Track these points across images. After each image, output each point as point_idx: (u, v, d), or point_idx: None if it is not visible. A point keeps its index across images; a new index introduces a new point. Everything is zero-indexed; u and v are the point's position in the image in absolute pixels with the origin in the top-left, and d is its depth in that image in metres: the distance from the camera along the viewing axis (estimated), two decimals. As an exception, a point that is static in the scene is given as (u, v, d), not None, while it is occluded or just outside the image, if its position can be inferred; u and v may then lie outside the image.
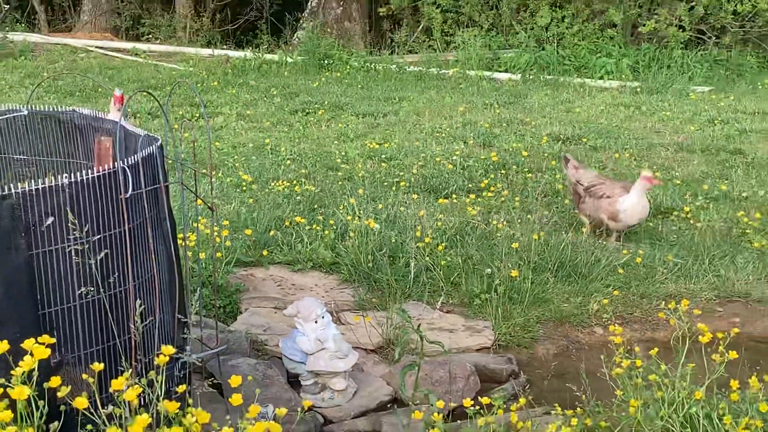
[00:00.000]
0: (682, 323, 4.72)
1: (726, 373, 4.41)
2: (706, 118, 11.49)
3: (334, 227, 6.75)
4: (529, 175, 8.60)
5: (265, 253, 6.43)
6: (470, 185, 8.27)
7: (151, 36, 18.56)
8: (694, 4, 15.36)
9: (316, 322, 4.80)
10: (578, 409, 4.32)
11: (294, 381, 4.92)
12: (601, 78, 14.62)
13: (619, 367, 4.34)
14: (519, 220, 7.19)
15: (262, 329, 5.44)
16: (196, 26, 18.47)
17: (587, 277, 6.36)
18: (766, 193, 8.08)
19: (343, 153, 9.33)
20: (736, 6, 15.12)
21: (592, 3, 15.58)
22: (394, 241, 6.54)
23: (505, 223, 7.08)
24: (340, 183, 8.20)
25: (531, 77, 14.64)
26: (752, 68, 15.11)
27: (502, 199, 7.86)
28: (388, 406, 4.79)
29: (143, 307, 3.29)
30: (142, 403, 3.05)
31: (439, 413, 3.78)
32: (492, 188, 8.16)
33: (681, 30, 15.31)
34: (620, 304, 6.06)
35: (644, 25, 15.31)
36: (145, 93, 5.83)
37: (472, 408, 3.95)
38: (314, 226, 6.81)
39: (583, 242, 6.81)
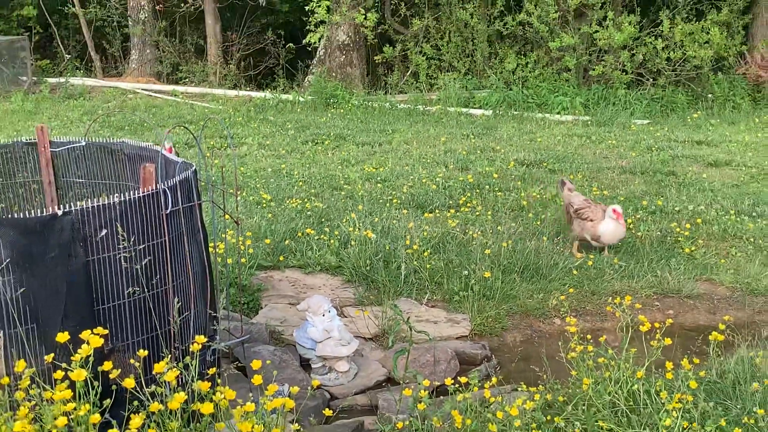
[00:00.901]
0: (625, 315, 4.72)
1: (662, 356, 4.41)
2: (645, 146, 11.49)
3: (339, 237, 6.75)
4: (499, 193, 8.59)
5: (281, 258, 6.42)
6: (450, 202, 8.26)
7: (187, 80, 18.57)
8: (634, 52, 15.37)
9: (323, 315, 4.82)
10: (540, 386, 4.32)
11: (305, 364, 4.94)
12: (558, 113, 14.62)
13: (574, 351, 4.34)
14: (491, 231, 7.19)
15: (279, 321, 5.44)
16: (225, 72, 18.47)
17: (548, 277, 6.36)
18: (694, 208, 8.07)
19: (345, 176, 9.32)
20: (669, 54, 15.14)
21: (551, 51, 15.60)
22: (387, 248, 6.53)
23: (479, 233, 7.07)
24: (343, 200, 8.19)
25: (500, 112, 14.63)
26: (683, 104, 15.10)
27: (477, 213, 7.85)
28: (383, 384, 4.79)
29: (180, 303, 3.29)
30: (180, 383, 3.05)
31: (425, 390, 3.78)
32: (468, 204, 8.15)
33: (624, 73, 15.33)
34: (575, 300, 6.06)
35: (594, 70, 15.32)
36: (182, 127, 5.83)
37: (452, 386, 3.95)
38: (322, 236, 6.81)
39: (543, 248, 6.80)
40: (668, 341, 4.27)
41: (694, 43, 15.01)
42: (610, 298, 5.92)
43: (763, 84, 15.48)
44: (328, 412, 3.74)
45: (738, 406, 4.14)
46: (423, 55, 16.71)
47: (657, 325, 4.70)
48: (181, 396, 2.78)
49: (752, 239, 7.24)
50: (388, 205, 8.06)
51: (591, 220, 6.79)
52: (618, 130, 13.05)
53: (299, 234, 6.89)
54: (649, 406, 4.03)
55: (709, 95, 15.23)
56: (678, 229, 7.33)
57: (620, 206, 6.78)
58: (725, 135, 12.46)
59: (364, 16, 15.86)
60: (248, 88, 17.24)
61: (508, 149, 11.12)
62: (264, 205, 7.89)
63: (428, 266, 6.28)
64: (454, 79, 15.95)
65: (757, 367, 4.56)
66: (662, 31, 15.20)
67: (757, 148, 11.27)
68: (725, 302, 6.16)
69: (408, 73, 17.06)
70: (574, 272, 6.45)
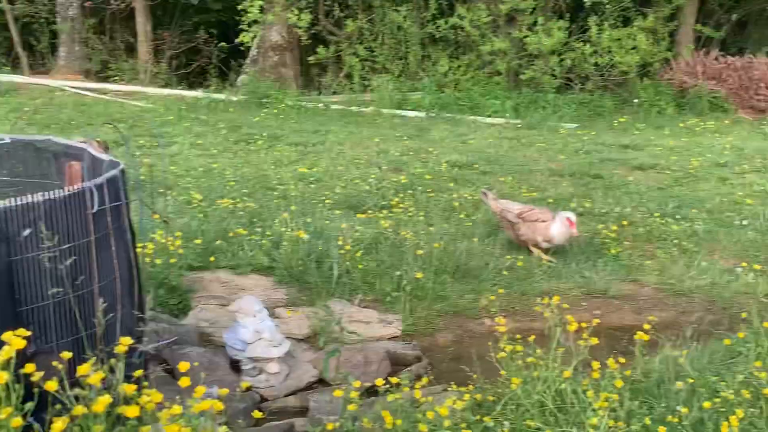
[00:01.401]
0: (554, 315, 4.77)
1: (589, 356, 4.46)
2: (573, 149, 11.65)
3: (271, 237, 6.68)
4: (432, 194, 8.62)
5: (212, 259, 6.33)
6: (383, 203, 8.25)
7: (117, 78, 18.23)
8: (563, 57, 15.59)
9: (254, 316, 4.77)
10: (470, 386, 4.33)
11: (236, 366, 4.86)
12: (489, 116, 14.73)
13: (503, 351, 4.37)
14: (423, 232, 7.20)
15: (210, 323, 5.35)
16: (156, 70, 18.19)
17: (478, 278, 6.40)
18: (621, 210, 8.20)
19: (278, 176, 9.25)
20: (597, 59, 15.40)
21: (482, 55, 15.73)
22: (320, 249, 6.49)
23: (412, 234, 7.07)
24: (275, 201, 8.12)
25: (433, 115, 14.68)
26: (610, 109, 15.35)
27: (410, 214, 7.85)
28: (315, 386, 4.75)
29: (106, 304, 3.21)
30: (105, 386, 2.97)
31: (356, 391, 3.76)
32: (401, 205, 8.15)
33: (553, 78, 15.54)
34: (505, 300, 6.10)
35: (524, 74, 15.50)
36: (111, 125, 5.70)
37: (383, 387, 3.93)
38: (254, 236, 6.73)
39: (474, 249, 6.84)
40: (595, 341, 4.33)
41: (621, 49, 15.30)
42: (539, 298, 5.97)
43: (688, 90, 15.84)
44: (257, 414, 3.69)
45: (662, 405, 4.21)
46: (357, 57, 16.69)
47: (584, 325, 4.75)
48: (106, 399, 2.71)
49: (676, 241, 7.39)
50: (321, 205, 8.01)
51: (543, 221, 6.77)
52: (548, 133, 13.21)
53: (231, 234, 6.80)
54: (577, 405, 4.07)
55: (635, 100, 15.52)
56: (605, 231, 7.43)
57: (573, 215, 6.76)
58: (650, 139, 12.70)
59: (297, 17, 15.78)
60: (180, 87, 16.98)
61: (441, 151, 11.16)
62: (195, 205, 7.77)
63: (361, 267, 6.26)
64: (388, 80, 15.96)
65: (681, 366, 4.64)
66: (590, 37, 15.45)
67: (681, 152, 11.52)
68: (650, 302, 6.26)
69: (342, 75, 17.03)
70: (504, 273, 6.49)
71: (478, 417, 3.91)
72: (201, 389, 2.86)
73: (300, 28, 16.01)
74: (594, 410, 3.93)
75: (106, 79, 18.26)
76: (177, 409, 2.78)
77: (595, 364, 4.32)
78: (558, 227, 6.70)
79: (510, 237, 7.08)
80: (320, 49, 16.86)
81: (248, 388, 4.57)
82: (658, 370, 4.62)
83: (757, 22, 18.66)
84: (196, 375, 3.37)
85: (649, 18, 15.71)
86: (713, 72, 16.09)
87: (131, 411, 2.73)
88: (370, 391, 4.55)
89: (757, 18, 18.77)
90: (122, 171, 3.65)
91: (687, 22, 16.99)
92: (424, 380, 4.23)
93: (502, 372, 4.32)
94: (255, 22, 16.42)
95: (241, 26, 16.52)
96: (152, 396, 2.83)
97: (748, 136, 13.44)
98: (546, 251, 6.89)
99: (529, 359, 4.34)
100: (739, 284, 6.49)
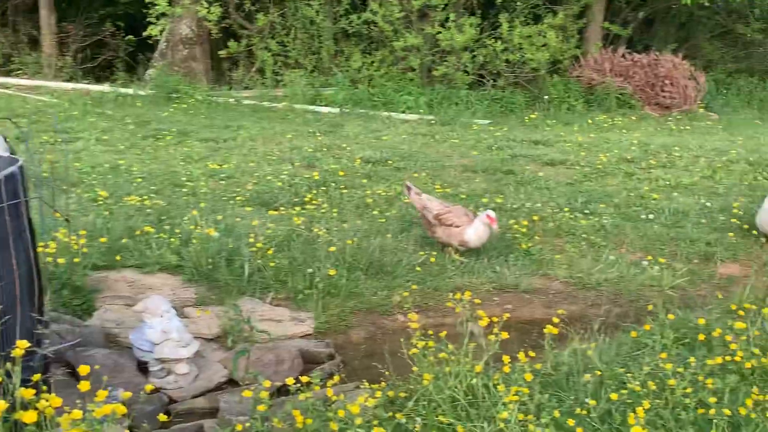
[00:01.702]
0: (465, 310, 4.81)
1: (501, 350, 4.51)
2: (486, 145, 11.77)
3: (180, 235, 6.56)
4: (345, 191, 8.60)
5: (118, 258, 6.18)
6: (296, 199, 8.19)
7: (20, 72, 17.69)
8: (475, 53, 15.74)
9: (161, 316, 4.67)
10: (382, 383, 4.33)
11: (144, 368, 4.76)
12: (403, 112, 14.78)
13: (415, 347, 4.38)
14: (336, 228, 7.18)
15: (116, 324, 5.23)
16: (60, 64, 17.71)
17: (392, 274, 6.40)
18: (531, 205, 8.32)
19: (188, 172, 9.09)
20: (508, 56, 15.60)
21: (395, 51, 15.77)
22: (231, 246, 6.40)
23: (324, 230, 7.04)
24: (185, 198, 7.99)
25: (347, 111, 14.66)
26: (521, 105, 15.59)
27: (323, 210, 7.82)
28: (225, 386, 4.69)
29: (3, 306, 3.09)
30: (2, 391, 2.87)
31: (266, 391, 3.72)
32: (314, 202, 8.11)
33: (466, 74, 15.68)
34: (418, 296, 6.12)
35: (437, 70, 15.60)
36: (10, 121, 5.51)
37: (294, 386, 3.90)
38: (162, 234, 6.60)
39: (388, 245, 6.84)
40: (505, 335, 4.37)
41: (532, 46, 15.53)
42: (452, 293, 6.01)
43: (596, 86, 16.18)
44: (162, 417, 3.60)
45: (571, 398, 4.28)
46: (269, 51, 16.55)
47: (495, 319, 4.80)
48: (2, 404, 2.61)
49: (585, 235, 7.53)
50: (232, 202, 7.91)
51: (457, 226, 6.74)
52: (461, 129, 13.32)
53: (138, 232, 6.65)
54: (488, 399, 4.11)
55: (546, 97, 15.78)
56: (516, 226, 7.52)
57: (493, 212, 6.75)
58: (560, 135, 12.93)
59: (207, 10, 15.56)
60: (86, 81, 16.57)
61: (355, 147, 11.15)
62: (100, 202, 7.58)
63: (272, 264, 6.20)
64: (301, 76, 15.88)
65: (589, 359, 4.73)
66: (502, 33, 15.64)
67: (589, 148, 11.75)
68: (560, 296, 6.36)
69: (253, 69, 16.86)
70: (418, 269, 6.51)
71: (390, 414, 3.91)
72: (103, 393, 2.78)
73: (210, 21, 15.79)
74: (505, 404, 3.97)
75: (8, 73, 17.70)
76: (77, 413, 2.70)
77: (506, 359, 4.37)
78: (472, 232, 6.68)
79: (426, 233, 7.10)
80: (231, 43, 16.67)
81: (156, 390, 4.48)
82: (567, 363, 4.69)
83: (662, 20, 19.18)
84: (100, 378, 3.28)
85: (558, 15, 15.99)
86: (621, 69, 16.48)
87: (28, 416, 2.63)
88: (282, 391, 4.51)
89: (662, 16, 19.29)
90: (21, 168, 3.53)
91: (595, 20, 17.35)
92: (336, 378, 4.21)
93: (414, 368, 4.33)
94: (163, 14, 16.14)
95: (149, 19, 16.19)
96: (51, 400, 2.74)
97: (654, 132, 13.81)
98: (460, 252, 6.93)
99: (441, 355, 4.36)
100: (645, 277, 6.65)
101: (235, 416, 4.03)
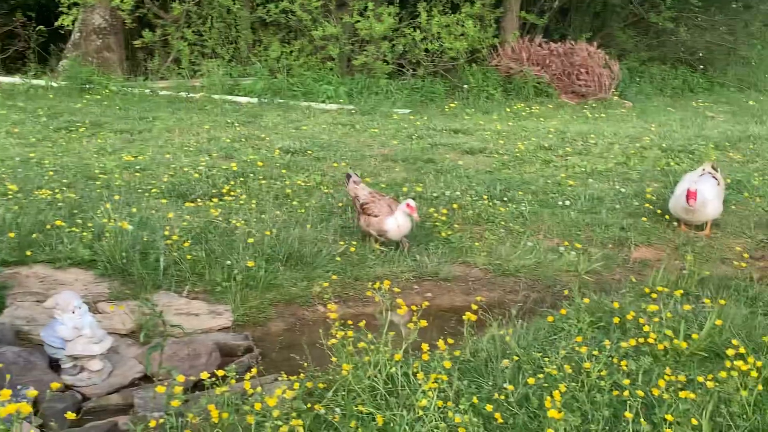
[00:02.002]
0: (385, 300, 4.81)
1: (421, 338, 4.53)
2: (406, 134, 11.78)
3: (92, 229, 6.41)
4: (264, 181, 8.50)
5: (28, 253, 6.00)
6: (214, 191, 8.08)
7: (-75, 63, 17.07)
8: (395, 43, 15.73)
9: (73, 312, 4.57)
10: (301, 374, 4.30)
11: (57, 365, 4.64)
12: (323, 102, 14.69)
13: (334, 338, 4.36)
14: (255, 220, 7.10)
15: (27, 321, 5.10)
16: (-32, 55, 17.15)
17: (311, 265, 6.37)
18: (451, 194, 8.36)
19: (102, 165, 8.88)
20: (427, 45, 15.63)
21: (314, 40, 15.66)
22: (146, 239, 6.27)
23: (243, 222, 6.96)
24: (98, 191, 7.79)
25: (266, 101, 14.50)
26: (441, 94, 15.63)
27: (241, 202, 7.72)
28: (140, 382, 4.60)
29: None
30: None
31: (179, 386, 3.65)
32: (232, 193, 8.01)
33: (385, 63, 15.66)
34: (338, 286, 6.11)
35: (356, 59, 15.55)
36: None
37: (209, 380, 3.84)
38: (74, 228, 6.44)
39: (308, 236, 6.79)
40: (423, 323, 4.39)
41: (450, 35, 15.59)
42: (373, 283, 6.01)
43: (514, 75, 16.35)
44: (70, 415, 3.50)
45: (490, 383, 4.32)
46: (185, 41, 16.26)
47: (414, 308, 4.81)
48: None
49: (503, 222, 7.61)
50: (147, 194, 7.76)
51: (376, 216, 6.73)
52: (381, 118, 13.30)
53: (49, 227, 6.47)
54: (407, 387, 4.11)
55: (465, 86, 15.88)
56: (436, 215, 7.56)
57: (414, 201, 6.72)
58: (480, 124, 13.03)
59: (120, -1, 15.23)
60: (-5, 73, 16.06)
61: (274, 137, 11.05)
62: (10, 196, 7.35)
63: (189, 257, 6.10)
64: (218, 66, 15.64)
65: (507, 344, 4.78)
66: (420, 23, 15.67)
67: (508, 136, 11.87)
68: (479, 283, 6.42)
69: (170, 59, 16.55)
70: (338, 259, 6.49)
71: (309, 405, 3.88)
72: (6, 392, 2.68)
73: (123, 11, 15.44)
74: (424, 392, 3.99)
75: None
76: (-20, 414, 2.61)
77: (425, 346, 4.39)
78: (390, 223, 6.66)
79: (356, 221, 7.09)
80: (146, 33, 16.31)
81: (69, 387, 4.38)
82: (485, 349, 4.74)
83: (578, 9, 19.47)
84: (13, 376, 3.18)
85: (476, 4, 16.06)
86: (538, 58, 16.68)
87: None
88: (200, 385, 4.44)
89: (577, 5, 19.58)
90: None
91: (512, 10, 17.52)
92: (254, 371, 4.16)
93: (333, 358, 4.31)
94: (75, 4, 15.71)
95: (61, 9, 15.76)
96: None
97: (571, 119, 14.02)
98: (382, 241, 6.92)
99: (360, 344, 4.35)
100: (562, 262, 6.75)
101: (150, 412, 3.95)
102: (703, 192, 7.40)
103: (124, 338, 5.10)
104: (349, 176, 7.24)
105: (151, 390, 4.09)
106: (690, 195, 7.27)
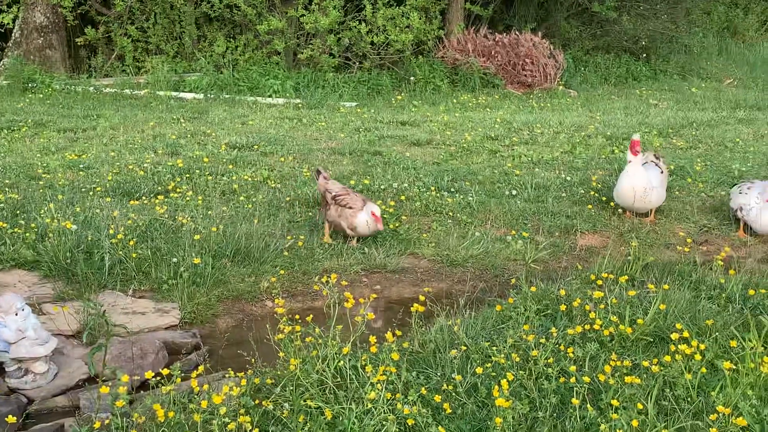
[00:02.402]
0: (332, 293, 4.79)
1: (369, 330, 4.52)
2: (353, 128, 11.76)
3: (35, 230, 6.30)
4: (210, 177, 8.43)
5: (-31, 256, 5.89)
6: (159, 188, 7.99)
7: None
8: (340, 36, 15.69)
9: (16, 314, 4.48)
10: (249, 371, 4.27)
11: (0, 368, 4.56)
12: (270, 96, 14.59)
13: (282, 333, 4.34)
14: (201, 216, 7.04)
15: (-33, 325, 4.97)
16: None
17: (259, 260, 6.33)
18: (399, 186, 8.36)
19: (45, 164, 8.73)
20: (373, 38, 15.60)
21: (260, 35, 15.54)
22: (90, 239, 6.18)
23: (189, 218, 6.90)
24: (41, 191, 7.66)
25: (212, 96, 14.36)
26: (388, 87, 15.61)
27: (187, 198, 7.65)
28: (86, 383, 4.53)
29: None
30: None
31: (125, 386, 3.60)
32: (178, 190, 7.93)
33: (332, 57, 15.60)
34: (286, 281, 6.08)
35: (302, 53, 15.48)
36: None
37: (154, 379, 3.79)
38: (16, 229, 6.33)
39: (255, 231, 6.74)
40: (371, 316, 4.38)
41: (396, 28, 15.58)
42: (321, 277, 5.99)
43: (460, 66, 16.40)
44: (11, 419, 3.43)
45: (438, 374, 4.33)
46: (128, 38, 16.04)
47: (362, 300, 4.80)
48: None
49: (451, 213, 7.63)
50: (91, 193, 7.65)
51: (350, 208, 6.61)
52: (328, 112, 13.27)
53: (-12, 229, 6.35)
54: (356, 380, 4.10)
55: (412, 78, 15.89)
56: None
57: (378, 209, 6.62)
58: (427, 115, 13.05)
59: (61, -4, 14.97)
60: (-67, 73, 15.69)
61: (220, 133, 10.95)
62: (-52, 199, 7.20)
63: (134, 255, 6.03)
64: (163, 62, 15.46)
65: (455, 334, 4.80)
66: (366, 15, 15.64)
67: (455, 127, 11.91)
68: (427, 274, 6.43)
69: (113, 56, 16.32)
70: (285, 253, 6.46)
71: (256, 401, 3.85)
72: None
73: (65, 8, 15.19)
74: (372, 384, 3.98)
75: None
76: None
77: (372, 339, 4.39)
78: (363, 217, 6.59)
79: (323, 217, 7.00)
80: (89, 30, 16.07)
81: (13, 391, 4.30)
82: (434, 339, 4.75)
83: (522, 0, 19.58)
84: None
85: (421, -3, 16.09)
86: (483, 49, 16.75)
87: None
88: (148, 384, 4.40)
89: (522, -4, 19.71)
90: None
91: (457, 1, 17.54)
92: (200, 368, 4.11)
93: (281, 353, 4.29)
94: (15, 1, 15.43)
95: (0, 7, 15.45)
96: None
97: (517, 109, 14.11)
98: (347, 238, 6.83)
99: (308, 339, 4.34)
100: (510, 252, 6.80)
101: (96, 413, 3.89)
102: (650, 180, 7.49)
103: (70, 339, 5.02)
104: (319, 172, 7.07)
105: (97, 391, 4.03)
106: (633, 143, 7.35)
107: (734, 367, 4.40)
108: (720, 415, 3.87)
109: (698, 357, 4.40)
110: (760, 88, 18.28)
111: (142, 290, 5.76)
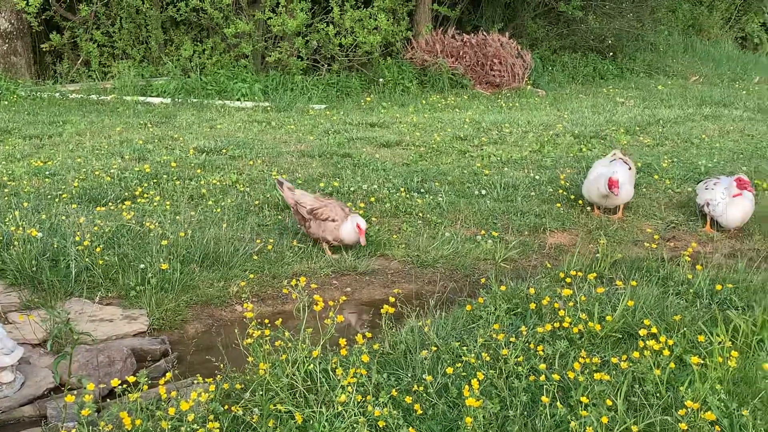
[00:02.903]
0: (302, 296, 4.77)
1: (340, 332, 4.51)
2: (322, 130, 11.72)
3: (0, 238, 6.21)
4: (178, 182, 8.36)
5: (-68, 266, 5.80)
6: (126, 194, 7.91)
7: None
8: (308, 38, 15.65)
9: (-20, 324, 4.40)
10: (218, 376, 4.23)
11: (-36, 380, 4.48)
12: (238, 100, 14.52)
13: (251, 337, 4.30)
14: (169, 221, 6.98)
15: (-69, 336, 4.89)
16: None
17: (228, 264, 6.29)
18: (368, 187, 8.35)
19: (9, 172, 8.61)
20: (341, 40, 15.58)
21: (227, 38, 15.46)
22: (56, 246, 6.11)
23: (157, 224, 6.84)
24: (6, 198, 7.55)
25: (179, 100, 14.27)
26: (357, 89, 15.59)
27: (155, 204, 7.59)
28: (50, 393, 4.46)
29: None
30: None
31: (90, 395, 3.55)
32: (146, 195, 7.86)
33: (300, 59, 15.56)
34: (256, 285, 6.04)
35: (270, 56, 15.42)
36: None
37: (120, 387, 3.75)
38: (-20, 238, 6.24)
39: (224, 235, 6.69)
40: (340, 318, 4.36)
41: (364, 30, 15.56)
42: (291, 280, 5.96)
43: (429, 67, 16.42)
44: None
45: (409, 375, 4.32)
46: (94, 43, 15.90)
47: (332, 303, 4.78)
48: None
49: (421, 214, 7.63)
50: (57, 200, 7.56)
51: (333, 220, 6.49)
52: (297, 115, 13.23)
53: (-46, 238, 6.26)
54: (326, 383, 4.08)
55: (380, 79, 15.89)
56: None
57: (364, 222, 6.50)
58: (396, 117, 13.05)
59: (25, 1, 14.78)
60: None
61: (188, 137, 10.88)
62: None
63: (101, 262, 5.96)
64: (129, 67, 15.33)
65: (426, 335, 4.79)
66: (333, 18, 15.61)
67: (424, 128, 11.91)
68: (398, 276, 6.42)
69: (79, 62, 16.17)
70: (255, 257, 6.42)
71: (225, 407, 3.82)
72: None
73: (29, 14, 15.02)
74: (343, 387, 3.96)
75: None
76: None
77: (342, 341, 4.37)
78: (348, 228, 6.48)
79: (299, 228, 6.89)
80: (54, 36, 15.92)
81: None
82: (404, 341, 4.74)
83: (489, 0, 19.64)
84: None
85: (388, -2, 16.10)
86: (452, 50, 16.78)
87: None
88: (117, 392, 4.35)
89: (489, -4, 19.76)
90: None
91: (424, 2, 17.55)
92: (168, 375, 4.07)
93: (250, 358, 4.26)
94: (-22, 7, 15.25)
95: (-39, 13, 15.29)
96: None
97: (486, 110, 14.14)
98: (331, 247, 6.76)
99: (277, 343, 4.31)
100: (480, 251, 6.81)
101: (63, 423, 3.84)
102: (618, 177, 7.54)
103: (36, 348, 4.95)
104: (281, 183, 6.87)
105: (62, 400, 3.98)
106: (612, 184, 7.38)
107: (702, 362, 4.43)
108: (689, 410, 3.89)
109: (667, 352, 4.43)
110: (726, 85, 18.49)
111: (109, 297, 5.70)
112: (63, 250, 6.07)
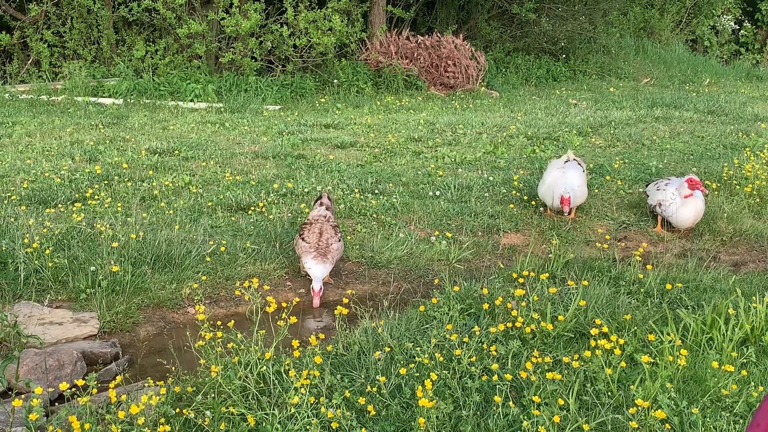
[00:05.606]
0: (255, 298, 4.74)
1: (292, 335, 4.48)
2: (276, 131, 11.67)
3: (-54, 241, 6.10)
4: (129, 183, 8.27)
5: None
6: (76, 195, 7.80)
7: None
8: (262, 39, 15.59)
9: (-76, 329, 4.31)
10: (170, 379, 4.19)
11: None
12: (191, 101, 14.40)
13: (202, 340, 4.27)
14: (120, 223, 6.89)
15: None
16: None
17: (180, 266, 6.22)
18: (323, 189, 8.34)
19: (-44, 175, 8.47)
20: (295, 41, 15.54)
21: (180, 38, 15.33)
22: (4, 248, 6.00)
23: (108, 226, 6.74)
24: (-48, 201, 7.43)
25: (132, 101, 14.11)
26: (311, 90, 15.57)
27: (106, 205, 7.49)
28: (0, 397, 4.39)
29: None
30: None
31: (38, 399, 3.50)
32: (96, 197, 7.75)
33: (254, 60, 15.49)
34: (209, 287, 5.99)
35: (224, 57, 15.33)
36: None
37: (69, 390, 3.69)
38: (-76, 242, 6.11)
39: (176, 237, 6.63)
40: (293, 320, 4.34)
41: (318, 31, 15.54)
42: (244, 282, 5.93)
43: (383, 69, 16.44)
44: None
45: (362, 376, 4.31)
46: (44, 43, 15.67)
47: (284, 304, 4.76)
48: None
49: (375, 215, 7.63)
50: (5, 202, 7.43)
51: (308, 243, 6.04)
52: (251, 116, 13.15)
53: None
54: (279, 385, 4.06)
55: (335, 81, 15.87)
56: (307, 210, 7.51)
57: (319, 285, 5.87)
58: (351, 118, 13.04)
59: (-27, 0, 14.56)
60: None
61: (140, 138, 10.76)
62: None
63: (51, 265, 5.87)
64: (80, 67, 15.12)
65: (379, 336, 4.79)
66: (287, 18, 15.57)
67: (379, 129, 11.92)
68: (352, 276, 6.41)
69: (29, 62, 15.93)
70: (208, 259, 6.36)
71: (177, 410, 3.78)
72: None
73: (-23, 13, 14.78)
74: (296, 389, 3.94)
75: None
76: None
77: (296, 343, 4.35)
78: (310, 266, 5.94)
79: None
80: (3, 36, 15.66)
81: None
82: (358, 342, 4.73)
83: (443, 2, 19.72)
84: None
85: None
86: (406, 51, 16.82)
87: None
88: (66, 396, 4.29)
89: (443, -1, 19.86)
90: None
91: (378, 3, 17.60)
92: (118, 378, 4.02)
93: (202, 361, 4.22)
94: (-77, 6, 14.95)
95: None
96: None
97: (440, 111, 14.19)
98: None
99: (230, 345, 4.28)
100: (434, 252, 6.82)
101: (11, 427, 3.77)
102: (572, 181, 7.58)
103: (-18, 353, 4.87)
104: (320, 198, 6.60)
105: (8, 404, 3.91)
106: (564, 202, 7.43)
107: (653, 360, 4.49)
108: (639, 408, 3.93)
109: (618, 351, 4.48)
110: (676, 87, 18.77)
111: (59, 300, 5.62)
112: (11, 252, 5.96)
